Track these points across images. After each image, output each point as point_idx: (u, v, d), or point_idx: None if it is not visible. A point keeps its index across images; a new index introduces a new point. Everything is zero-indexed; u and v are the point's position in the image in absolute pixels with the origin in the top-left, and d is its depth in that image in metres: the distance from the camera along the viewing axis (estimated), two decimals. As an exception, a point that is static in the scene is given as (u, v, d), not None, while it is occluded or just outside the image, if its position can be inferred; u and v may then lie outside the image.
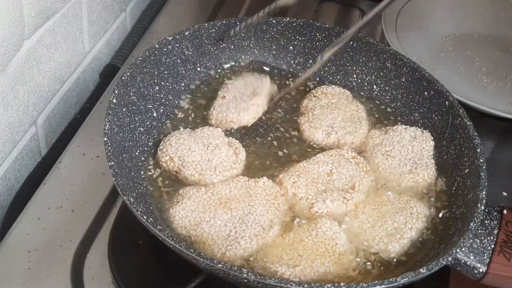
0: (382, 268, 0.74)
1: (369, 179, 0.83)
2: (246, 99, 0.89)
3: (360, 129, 0.89)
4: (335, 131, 0.88)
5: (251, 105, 0.88)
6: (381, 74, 0.96)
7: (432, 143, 0.88)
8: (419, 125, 0.91)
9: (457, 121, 0.86)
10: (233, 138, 0.86)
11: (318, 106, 0.92)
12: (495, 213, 0.77)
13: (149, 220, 0.68)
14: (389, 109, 0.95)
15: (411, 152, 0.86)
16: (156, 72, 0.89)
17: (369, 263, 0.75)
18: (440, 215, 0.80)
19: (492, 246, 0.74)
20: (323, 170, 0.82)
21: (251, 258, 0.73)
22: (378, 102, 0.95)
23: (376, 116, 0.94)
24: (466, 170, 0.81)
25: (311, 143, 0.88)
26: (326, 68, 0.99)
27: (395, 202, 0.80)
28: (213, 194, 0.78)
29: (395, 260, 0.75)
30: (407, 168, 0.84)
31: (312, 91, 0.94)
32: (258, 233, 0.74)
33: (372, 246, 0.76)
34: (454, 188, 0.82)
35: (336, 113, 0.91)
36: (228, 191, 0.78)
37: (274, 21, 0.97)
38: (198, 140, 0.83)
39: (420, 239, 0.77)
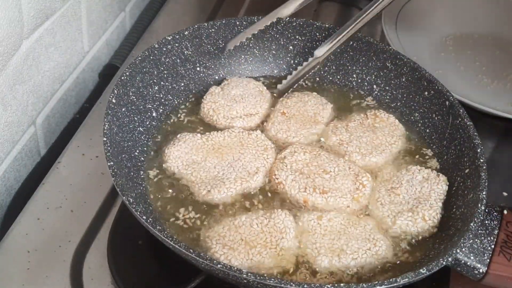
0: (311, 275, 0.73)
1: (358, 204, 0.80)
2: (306, 124, 0.89)
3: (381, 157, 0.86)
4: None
5: (311, 134, 0.88)
6: (381, 74, 0.96)
7: (446, 187, 0.81)
8: (419, 124, 0.91)
9: (457, 121, 0.85)
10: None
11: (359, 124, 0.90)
12: (495, 213, 0.76)
13: (148, 220, 0.68)
14: (389, 109, 0.94)
15: (418, 193, 0.81)
16: (155, 72, 0.89)
17: (304, 269, 0.73)
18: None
19: (492, 246, 0.74)
20: (326, 166, 0.82)
21: (205, 223, 0.76)
22: (378, 102, 0.95)
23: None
24: (466, 170, 0.81)
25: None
26: (326, 68, 0.98)
27: (365, 232, 0.76)
28: (208, 140, 0.83)
29: (318, 271, 0.73)
30: (408, 206, 0.79)
31: (368, 111, 0.92)
32: (243, 177, 0.79)
33: (307, 248, 0.74)
34: (454, 188, 0.82)
35: (369, 135, 0.88)
36: (222, 139, 0.84)
37: (274, 21, 0.97)
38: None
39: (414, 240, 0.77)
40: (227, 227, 0.74)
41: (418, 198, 0.80)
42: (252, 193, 0.80)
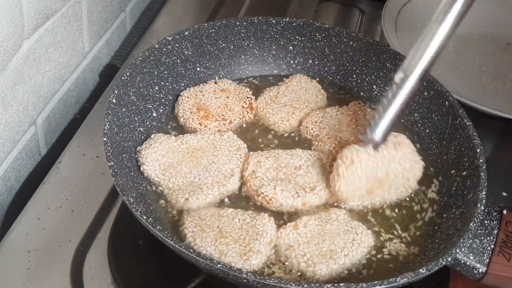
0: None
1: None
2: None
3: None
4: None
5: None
6: (381, 74, 0.96)
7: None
8: (419, 125, 0.91)
9: (457, 121, 0.85)
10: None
11: None
12: (494, 213, 0.76)
13: (148, 220, 0.68)
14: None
15: None
16: (155, 72, 0.89)
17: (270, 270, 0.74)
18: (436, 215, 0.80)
19: (492, 246, 0.74)
20: (293, 163, 0.83)
21: (185, 210, 0.77)
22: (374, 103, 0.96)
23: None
24: (466, 170, 0.81)
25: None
26: (326, 68, 0.99)
27: (341, 224, 0.77)
28: (182, 143, 0.84)
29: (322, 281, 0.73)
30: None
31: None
32: (220, 181, 0.80)
33: (300, 263, 0.73)
34: (454, 188, 0.82)
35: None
36: (196, 141, 0.84)
37: (273, 21, 0.97)
38: None
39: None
40: (211, 213, 0.76)
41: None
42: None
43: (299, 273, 0.73)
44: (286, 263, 0.74)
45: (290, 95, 0.94)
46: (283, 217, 0.79)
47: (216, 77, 0.96)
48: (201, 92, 0.92)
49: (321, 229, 0.76)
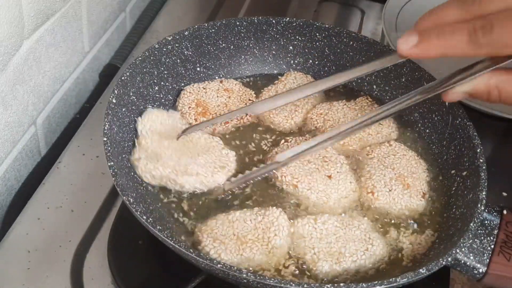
0: (305, 277, 0.73)
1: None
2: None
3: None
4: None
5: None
6: (381, 74, 0.96)
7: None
8: (419, 124, 0.91)
9: (457, 121, 0.85)
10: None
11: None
12: (495, 213, 0.76)
13: (148, 220, 0.68)
14: (389, 109, 0.94)
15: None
16: (155, 72, 0.89)
17: (296, 269, 0.73)
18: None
19: (492, 246, 0.74)
20: (322, 168, 0.82)
21: (197, 225, 0.76)
22: (378, 103, 0.95)
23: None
24: (466, 170, 0.81)
25: None
26: (326, 68, 0.99)
27: (361, 232, 0.76)
28: (190, 140, 0.83)
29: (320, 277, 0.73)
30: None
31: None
32: (175, 170, 0.78)
33: (306, 254, 0.74)
34: (454, 188, 0.82)
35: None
36: (197, 137, 0.83)
37: (274, 21, 0.97)
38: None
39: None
40: (221, 221, 0.75)
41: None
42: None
43: (300, 261, 0.74)
44: (291, 251, 0.74)
45: None
46: (298, 209, 0.79)
47: (216, 77, 0.96)
48: (204, 89, 0.92)
49: (338, 231, 0.76)
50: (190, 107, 0.89)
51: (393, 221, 0.80)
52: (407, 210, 0.80)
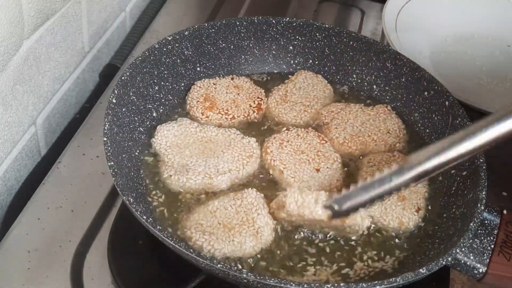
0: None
1: None
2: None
3: None
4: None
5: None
6: (381, 74, 0.96)
7: None
8: (419, 125, 0.91)
9: (457, 121, 0.85)
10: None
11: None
12: (495, 213, 0.76)
13: (148, 220, 0.68)
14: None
15: None
16: (155, 72, 0.89)
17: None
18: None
19: (492, 246, 0.74)
20: (313, 160, 0.83)
21: (179, 220, 0.77)
22: (378, 102, 0.95)
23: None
24: (466, 170, 0.81)
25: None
26: (326, 68, 0.99)
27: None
28: (200, 131, 0.85)
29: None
30: None
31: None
32: (208, 173, 0.80)
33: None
34: (454, 188, 0.82)
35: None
36: (215, 134, 0.85)
37: (274, 21, 0.97)
38: None
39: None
40: (202, 214, 0.75)
41: None
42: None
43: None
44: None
45: (299, 92, 0.94)
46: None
47: (217, 77, 0.96)
48: (214, 84, 0.93)
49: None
50: (198, 101, 0.90)
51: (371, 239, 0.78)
52: (397, 223, 0.78)
